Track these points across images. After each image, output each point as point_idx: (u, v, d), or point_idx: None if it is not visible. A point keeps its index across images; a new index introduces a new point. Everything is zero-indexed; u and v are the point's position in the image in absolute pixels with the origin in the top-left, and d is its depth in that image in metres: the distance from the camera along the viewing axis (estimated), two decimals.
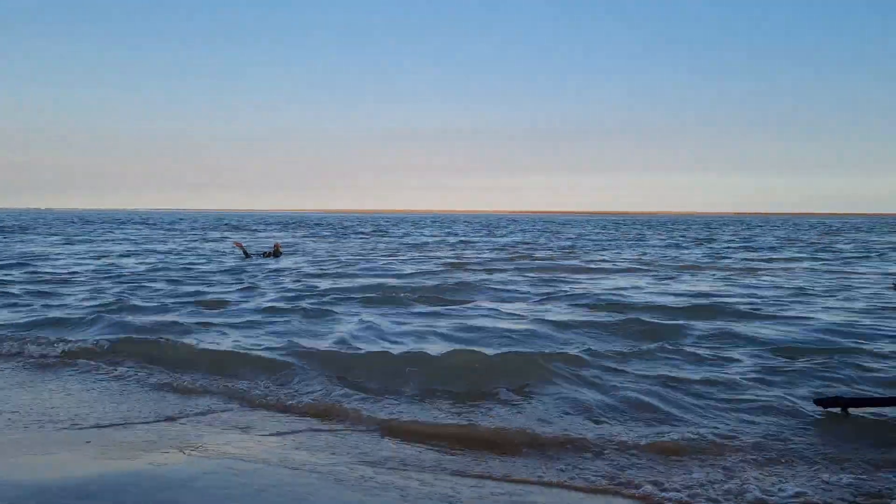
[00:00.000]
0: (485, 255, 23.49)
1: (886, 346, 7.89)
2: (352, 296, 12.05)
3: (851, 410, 5.28)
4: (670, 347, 7.63)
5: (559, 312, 10.29)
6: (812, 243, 31.72)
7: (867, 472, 4.26)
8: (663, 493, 3.91)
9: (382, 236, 39.75)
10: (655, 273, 17.23)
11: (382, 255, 23.58)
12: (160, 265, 18.94)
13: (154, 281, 14.73)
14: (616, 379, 6.25)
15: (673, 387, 6.06)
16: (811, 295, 12.59)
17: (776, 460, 4.44)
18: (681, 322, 9.22)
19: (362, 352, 7.48)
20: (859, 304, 11.34)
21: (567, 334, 8.52)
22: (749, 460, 4.43)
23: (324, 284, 14.07)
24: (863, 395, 5.80)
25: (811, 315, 10.03)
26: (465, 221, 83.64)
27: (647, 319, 9.35)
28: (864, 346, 7.83)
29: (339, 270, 17.47)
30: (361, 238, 37.42)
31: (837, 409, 5.30)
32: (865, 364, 7.01)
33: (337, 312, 10.25)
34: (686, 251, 26.40)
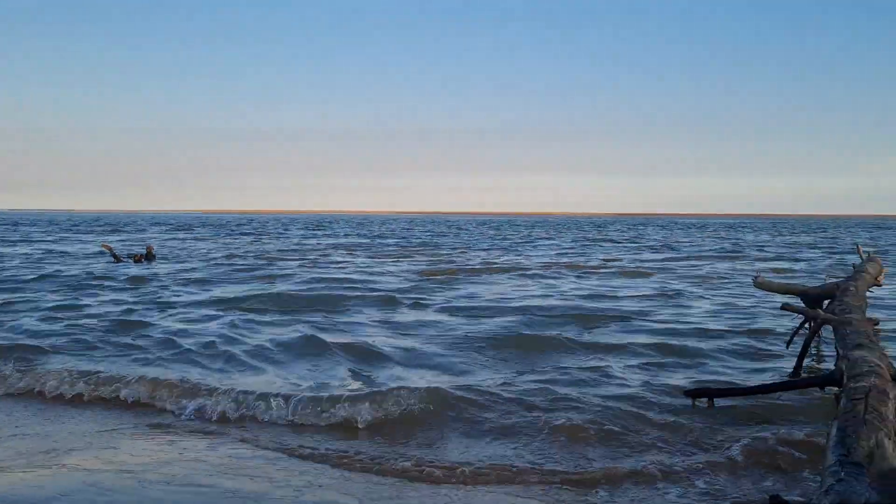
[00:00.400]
0: (377, 259, 23.36)
1: (749, 340, 8.53)
2: (225, 306, 11.36)
3: (717, 400, 5.65)
4: (543, 361, 7.50)
5: (441, 323, 9.95)
6: (681, 243, 33.77)
7: (737, 467, 4.47)
8: None
9: (273, 238, 38.59)
10: (542, 275, 17.63)
11: (265, 259, 22.91)
12: (13, 270, 17.49)
13: (8, 290, 13.45)
14: (495, 407, 5.74)
15: (547, 393, 6.02)
16: (685, 295, 13.29)
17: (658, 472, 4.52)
18: (562, 328, 9.36)
19: (243, 376, 6.96)
20: (728, 301, 12.20)
21: (451, 350, 8.13)
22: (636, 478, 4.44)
23: (195, 292, 13.34)
24: (728, 386, 6.24)
25: (685, 315, 10.67)
26: (345, 222, 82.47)
27: (528, 330, 9.19)
28: (729, 341, 8.44)
29: (214, 276, 16.60)
30: (247, 239, 36.12)
31: (705, 400, 5.65)
32: (730, 358, 7.63)
33: (206, 325, 9.60)
34: (577, 252, 27.39)
